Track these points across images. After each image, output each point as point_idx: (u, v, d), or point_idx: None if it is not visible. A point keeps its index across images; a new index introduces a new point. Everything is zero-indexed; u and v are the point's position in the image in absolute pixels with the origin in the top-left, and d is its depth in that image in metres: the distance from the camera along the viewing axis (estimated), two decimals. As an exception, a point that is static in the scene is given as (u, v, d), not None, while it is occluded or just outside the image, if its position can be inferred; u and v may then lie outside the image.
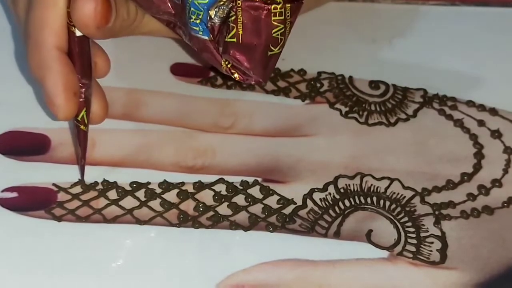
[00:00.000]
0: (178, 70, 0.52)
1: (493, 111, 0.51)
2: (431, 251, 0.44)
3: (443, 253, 0.43)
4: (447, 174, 0.47)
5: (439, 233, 0.44)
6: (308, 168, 0.47)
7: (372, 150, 0.48)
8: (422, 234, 0.44)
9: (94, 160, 0.46)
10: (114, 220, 0.44)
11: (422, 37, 0.55)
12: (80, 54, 0.43)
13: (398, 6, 0.58)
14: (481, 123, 0.50)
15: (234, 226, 0.44)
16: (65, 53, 0.42)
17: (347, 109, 0.50)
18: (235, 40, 0.41)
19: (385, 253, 0.43)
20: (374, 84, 0.52)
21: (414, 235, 0.44)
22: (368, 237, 0.44)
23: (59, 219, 0.44)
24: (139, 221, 0.44)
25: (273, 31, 0.41)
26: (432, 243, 0.44)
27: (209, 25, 0.41)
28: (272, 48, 0.41)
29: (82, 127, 0.44)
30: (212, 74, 0.52)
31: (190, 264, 0.42)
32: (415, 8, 0.58)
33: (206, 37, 0.42)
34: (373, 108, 0.51)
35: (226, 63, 0.42)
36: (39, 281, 0.41)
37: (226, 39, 0.41)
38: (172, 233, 0.44)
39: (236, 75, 0.42)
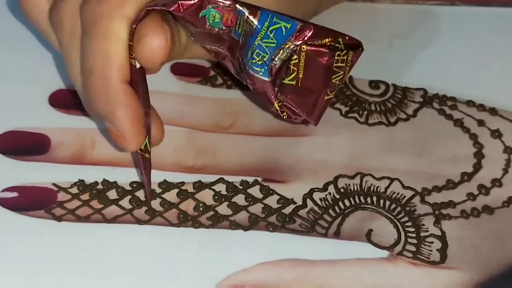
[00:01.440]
0: (178, 69, 0.52)
1: (493, 111, 0.51)
2: (431, 250, 0.44)
3: (443, 253, 0.43)
4: (447, 173, 0.47)
5: (439, 233, 0.44)
6: (308, 167, 0.47)
7: (372, 150, 0.48)
8: (422, 234, 0.44)
9: (94, 160, 0.46)
10: (114, 220, 0.44)
11: (422, 37, 0.55)
12: (140, 85, 0.42)
13: (398, 6, 0.58)
14: (481, 122, 0.50)
15: (234, 226, 0.44)
16: (129, 85, 0.41)
17: (347, 108, 0.50)
18: (294, 83, 0.41)
19: (385, 253, 0.43)
20: (374, 84, 0.52)
21: (414, 235, 0.44)
22: (368, 237, 0.44)
23: (59, 219, 0.44)
24: (139, 221, 0.44)
25: (333, 77, 0.41)
26: (432, 242, 0.44)
27: (270, 66, 0.41)
28: (329, 93, 0.41)
29: (146, 155, 0.43)
30: (212, 73, 0.52)
31: (190, 264, 0.42)
32: (415, 8, 0.58)
33: (266, 78, 0.41)
34: (373, 107, 0.51)
35: (278, 102, 0.42)
36: (39, 281, 0.41)
37: (284, 81, 0.41)
38: (172, 233, 0.44)
39: (285, 113, 0.42)
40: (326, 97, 0.42)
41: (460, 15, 0.57)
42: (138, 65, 0.41)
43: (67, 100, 0.49)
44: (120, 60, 0.41)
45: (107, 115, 0.42)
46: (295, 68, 0.40)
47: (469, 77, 0.53)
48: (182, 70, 0.52)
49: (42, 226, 0.43)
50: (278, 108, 0.42)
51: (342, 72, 0.41)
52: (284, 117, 0.42)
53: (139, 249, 0.43)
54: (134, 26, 0.41)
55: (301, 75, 0.41)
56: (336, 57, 0.40)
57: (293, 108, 0.42)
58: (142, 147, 0.43)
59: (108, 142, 0.47)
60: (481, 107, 0.51)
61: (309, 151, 0.48)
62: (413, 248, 0.44)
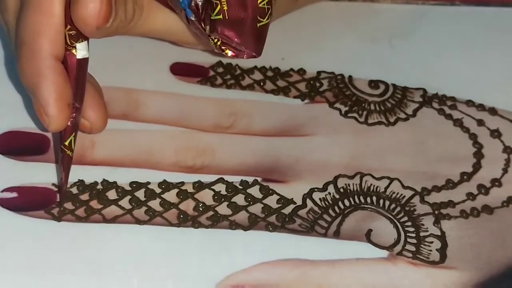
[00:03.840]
0: (178, 69, 0.52)
1: (493, 111, 0.51)
2: (430, 250, 0.44)
3: (443, 253, 0.43)
4: (447, 173, 0.47)
5: (438, 233, 0.44)
6: (308, 167, 0.47)
7: (371, 150, 0.48)
8: (422, 234, 0.44)
9: (94, 160, 0.46)
10: (114, 220, 0.44)
11: (422, 37, 0.55)
12: (77, 77, 0.42)
13: (398, 6, 0.58)
14: (480, 122, 0.50)
15: (234, 226, 0.44)
16: (60, 62, 0.41)
17: (346, 108, 0.50)
18: (221, 17, 0.40)
19: (384, 253, 0.43)
20: (373, 84, 0.52)
21: (413, 235, 0.44)
22: (368, 236, 0.44)
23: (59, 219, 0.44)
24: (139, 221, 0.44)
25: (259, 1, 0.40)
26: (431, 242, 0.44)
27: (192, 5, 0.41)
28: (260, 19, 0.41)
29: (68, 152, 0.43)
30: (212, 73, 0.52)
31: (190, 264, 0.42)
32: (415, 8, 0.58)
33: (193, 18, 0.41)
34: (372, 107, 0.51)
35: (216, 40, 0.41)
36: (39, 281, 0.41)
37: (212, 17, 0.40)
38: (172, 233, 0.44)
39: (228, 51, 0.42)
40: (259, 24, 0.41)
41: (460, 15, 0.57)
42: (79, 55, 0.41)
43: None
44: (50, 33, 0.41)
45: (32, 88, 0.41)
46: (217, 2, 0.40)
47: (468, 77, 0.53)
48: (182, 70, 0.52)
49: (42, 226, 0.43)
50: (217, 48, 0.41)
51: None
52: (228, 55, 0.42)
53: (139, 249, 0.43)
54: None
55: (225, 7, 0.40)
56: None
57: (230, 43, 0.41)
58: (66, 143, 0.42)
59: (108, 142, 0.47)
60: (480, 107, 0.51)
61: (308, 151, 0.48)
62: (412, 248, 0.44)
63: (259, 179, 0.46)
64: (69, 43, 0.41)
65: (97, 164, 0.46)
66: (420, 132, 0.49)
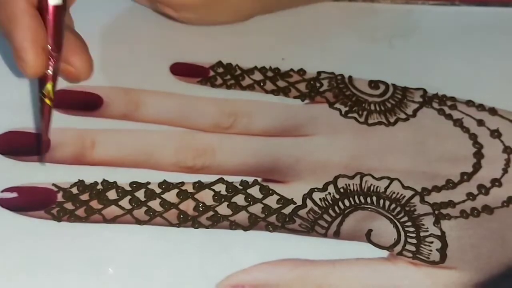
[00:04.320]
0: (178, 70, 0.52)
1: (493, 111, 0.51)
2: (431, 250, 0.44)
3: (443, 253, 0.43)
4: (447, 173, 0.47)
5: (438, 233, 0.44)
6: (308, 167, 0.47)
7: (371, 150, 0.48)
8: (422, 234, 0.44)
9: (94, 160, 0.46)
10: (114, 220, 0.44)
11: (422, 37, 0.55)
12: (53, 25, 0.41)
13: (398, 6, 0.58)
14: (480, 122, 0.50)
15: (234, 226, 0.44)
16: (34, 7, 0.41)
17: (346, 108, 0.50)
18: None
19: (385, 253, 0.43)
20: (373, 84, 0.52)
21: (414, 235, 0.44)
22: (368, 236, 0.44)
23: (59, 219, 0.44)
24: (139, 221, 0.44)
25: None
26: (432, 242, 0.44)
27: None
28: None
29: (47, 100, 0.42)
30: (212, 74, 0.52)
31: (190, 264, 0.42)
32: (415, 8, 0.58)
33: None
34: (372, 107, 0.51)
35: None
36: (39, 281, 0.41)
37: None
38: (172, 233, 0.44)
39: None
40: None
41: (460, 15, 0.57)
42: (51, 2, 0.41)
43: (67, 101, 0.49)
44: None
45: (7, 34, 0.41)
46: None
47: (468, 77, 0.53)
48: (182, 71, 0.52)
49: (42, 226, 0.43)
50: None
51: None
52: None
53: (139, 249, 0.43)
54: None
55: None
56: None
57: None
58: (44, 91, 0.42)
59: (108, 142, 0.47)
60: (480, 107, 0.51)
61: (308, 151, 0.48)
62: (413, 248, 0.44)
63: (259, 179, 0.46)
64: None
65: (97, 164, 0.46)
66: (420, 132, 0.49)
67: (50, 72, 0.42)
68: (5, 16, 0.41)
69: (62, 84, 0.47)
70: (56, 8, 0.41)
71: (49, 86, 0.42)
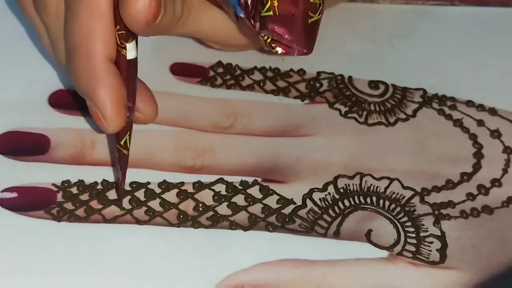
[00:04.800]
0: (178, 70, 0.52)
1: (493, 111, 0.51)
2: (430, 251, 0.44)
3: (443, 253, 0.43)
4: (447, 174, 0.47)
5: (438, 233, 0.44)
6: (308, 168, 0.47)
7: (371, 150, 0.48)
8: (422, 234, 0.44)
9: (94, 160, 0.46)
10: (114, 220, 0.44)
11: (422, 37, 0.55)
12: (129, 78, 0.41)
13: (398, 6, 0.58)
14: (480, 123, 0.50)
15: (234, 226, 0.44)
16: (114, 65, 0.41)
17: (346, 109, 0.50)
18: (271, 13, 0.40)
19: (384, 253, 0.43)
20: (373, 84, 0.52)
21: (413, 235, 0.44)
22: (368, 237, 0.44)
23: (59, 219, 0.44)
24: (138, 221, 0.44)
25: None
26: (431, 243, 0.44)
27: (242, 1, 0.40)
28: (312, 14, 0.40)
29: (124, 151, 0.43)
30: (212, 74, 0.52)
31: (190, 264, 0.42)
32: (415, 8, 0.58)
33: (242, 15, 0.40)
34: (372, 108, 0.51)
35: (265, 38, 0.41)
36: (39, 281, 0.41)
37: (262, 14, 0.40)
38: (172, 233, 0.44)
39: (278, 48, 0.41)
40: (310, 20, 0.40)
41: (459, 15, 0.57)
42: (128, 56, 0.41)
43: (67, 100, 0.49)
44: (103, 36, 0.40)
45: (88, 93, 0.41)
46: None
47: (468, 77, 0.53)
48: (182, 71, 0.52)
49: (42, 226, 0.43)
50: (267, 45, 0.41)
51: None
52: (279, 52, 0.41)
53: (139, 249, 0.43)
54: None
55: (275, 3, 0.40)
56: None
57: (281, 40, 0.41)
58: (122, 143, 0.42)
59: (108, 142, 0.47)
60: (480, 107, 0.51)
61: (308, 151, 0.48)
62: (412, 248, 0.44)
63: (259, 179, 0.46)
64: (119, 43, 0.41)
65: (97, 164, 0.46)
66: (420, 132, 0.49)
67: (125, 123, 0.42)
68: (86, 74, 0.41)
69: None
70: (133, 61, 0.41)
71: (126, 137, 0.42)
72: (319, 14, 0.41)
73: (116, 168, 0.44)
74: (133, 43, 0.41)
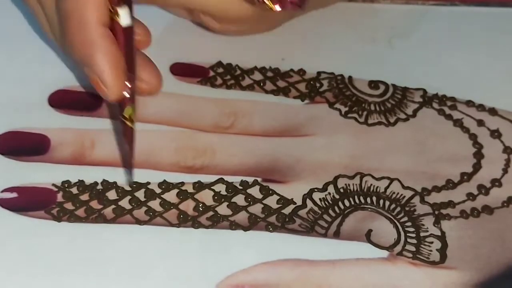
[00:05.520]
0: (178, 70, 0.52)
1: (493, 111, 0.51)
2: (431, 250, 0.44)
3: (443, 253, 0.43)
4: (447, 173, 0.47)
5: (438, 233, 0.44)
6: (308, 168, 0.47)
7: (371, 150, 0.48)
8: (422, 234, 0.44)
9: (94, 160, 0.46)
10: (114, 220, 0.44)
11: (422, 37, 0.55)
12: (125, 45, 0.41)
13: (398, 6, 0.58)
14: (480, 123, 0.50)
15: (234, 226, 0.44)
16: (110, 30, 0.41)
17: (346, 109, 0.50)
18: None
19: (384, 253, 0.43)
20: (373, 84, 0.52)
21: (413, 235, 0.44)
22: (368, 237, 0.44)
23: (59, 219, 0.44)
24: (139, 221, 0.44)
25: None
26: (432, 242, 0.44)
27: None
28: None
29: (128, 123, 0.42)
30: (212, 74, 0.52)
31: (190, 264, 0.42)
32: (415, 8, 0.58)
33: None
34: (372, 108, 0.51)
35: None
36: (39, 281, 0.41)
37: None
38: (172, 233, 0.44)
39: (271, 4, 0.41)
40: None
41: (460, 15, 0.57)
42: (122, 23, 0.41)
43: (67, 100, 0.49)
44: (96, 2, 0.40)
45: (85, 59, 0.41)
46: None
47: (468, 77, 0.53)
48: (182, 71, 0.52)
49: (42, 226, 0.43)
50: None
51: None
52: (269, 6, 0.41)
53: (139, 249, 0.43)
54: None
55: None
56: None
57: None
58: (126, 115, 0.42)
59: (108, 142, 0.47)
60: (480, 107, 0.51)
61: (308, 151, 0.48)
62: (413, 248, 0.44)
63: (259, 179, 0.46)
64: (110, 9, 0.41)
65: (97, 164, 0.46)
66: (420, 132, 0.49)
67: (127, 94, 0.42)
68: (81, 41, 0.41)
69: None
70: (128, 29, 0.41)
71: (129, 109, 0.42)
72: None
73: (123, 142, 0.43)
74: (126, 9, 0.41)
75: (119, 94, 0.41)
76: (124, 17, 0.41)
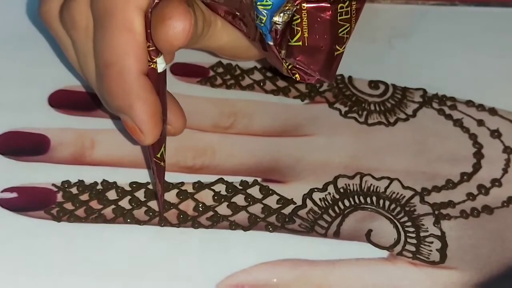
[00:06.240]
0: (178, 70, 0.52)
1: (493, 111, 0.51)
2: (430, 250, 0.44)
3: (443, 253, 0.43)
4: (447, 173, 0.47)
5: (438, 233, 0.44)
6: (308, 168, 0.47)
7: (371, 150, 0.48)
8: (422, 234, 0.44)
9: (94, 160, 0.46)
10: (114, 220, 0.44)
11: (422, 37, 0.55)
12: (160, 90, 0.41)
13: (398, 6, 0.58)
14: (480, 122, 0.50)
15: (234, 226, 0.44)
16: (148, 80, 0.41)
17: (346, 108, 0.50)
18: (300, 43, 0.40)
19: (384, 253, 0.43)
20: (373, 84, 0.52)
21: (413, 235, 0.44)
22: (368, 237, 0.44)
23: (59, 219, 0.44)
24: (138, 221, 0.44)
25: (339, 30, 0.40)
26: (431, 242, 0.44)
27: (272, 29, 0.40)
28: (338, 48, 0.41)
29: (161, 164, 0.43)
30: (211, 73, 0.52)
31: (190, 264, 0.42)
32: (415, 8, 0.58)
33: (270, 42, 0.41)
34: (372, 108, 0.51)
35: (287, 64, 0.41)
36: (39, 281, 0.41)
37: (290, 43, 0.40)
38: (172, 233, 0.44)
39: (297, 75, 0.42)
40: (336, 53, 0.41)
41: (460, 15, 0.57)
42: (159, 69, 0.41)
43: (67, 101, 0.49)
44: (137, 52, 0.40)
45: (125, 109, 0.41)
46: (299, 28, 0.40)
47: (468, 77, 0.53)
48: (181, 70, 0.52)
49: (42, 226, 0.43)
50: (289, 70, 0.42)
51: (348, 24, 0.40)
52: (297, 79, 0.42)
53: (139, 249, 0.43)
54: (148, 15, 0.40)
55: (306, 34, 0.40)
56: (339, 10, 0.40)
57: (304, 69, 0.41)
58: (158, 155, 0.42)
59: (108, 142, 0.47)
60: (480, 107, 0.51)
61: (308, 151, 0.48)
62: (412, 248, 0.44)
63: (259, 179, 0.46)
64: (149, 59, 0.41)
65: (97, 164, 0.46)
66: (420, 132, 0.49)
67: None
68: (121, 90, 0.40)
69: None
70: (162, 73, 0.41)
71: (162, 150, 0.42)
72: (344, 47, 0.41)
73: (155, 180, 0.43)
74: (162, 56, 0.41)
75: (155, 140, 0.41)
76: (160, 64, 0.41)
